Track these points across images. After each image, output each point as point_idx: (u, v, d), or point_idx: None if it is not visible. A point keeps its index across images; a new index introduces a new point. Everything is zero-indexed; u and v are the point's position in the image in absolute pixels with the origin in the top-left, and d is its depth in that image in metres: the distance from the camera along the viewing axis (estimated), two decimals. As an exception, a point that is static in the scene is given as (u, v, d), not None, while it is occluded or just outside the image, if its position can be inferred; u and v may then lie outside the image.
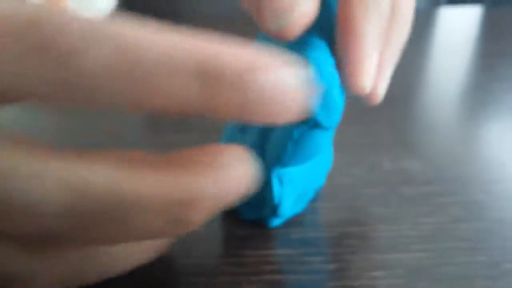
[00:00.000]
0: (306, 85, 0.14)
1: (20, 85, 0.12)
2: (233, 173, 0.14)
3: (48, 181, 0.12)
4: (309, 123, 0.19)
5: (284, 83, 0.13)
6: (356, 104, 0.35)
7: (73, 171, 0.13)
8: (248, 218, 0.23)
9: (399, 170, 0.27)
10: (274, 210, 0.22)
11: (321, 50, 0.18)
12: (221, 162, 0.14)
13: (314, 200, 0.25)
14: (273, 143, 0.20)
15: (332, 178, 0.27)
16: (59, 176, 0.12)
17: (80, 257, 0.15)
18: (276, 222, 0.23)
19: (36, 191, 0.12)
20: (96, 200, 0.12)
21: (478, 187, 0.26)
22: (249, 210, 0.23)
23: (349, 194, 0.26)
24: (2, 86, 0.12)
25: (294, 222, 0.24)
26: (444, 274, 0.21)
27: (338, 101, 0.18)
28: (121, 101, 0.12)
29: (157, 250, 0.18)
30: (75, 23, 0.12)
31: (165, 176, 0.13)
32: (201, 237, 0.23)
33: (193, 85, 0.12)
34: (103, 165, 0.13)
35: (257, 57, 0.13)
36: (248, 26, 0.45)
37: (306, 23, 0.16)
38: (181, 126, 0.32)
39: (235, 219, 0.24)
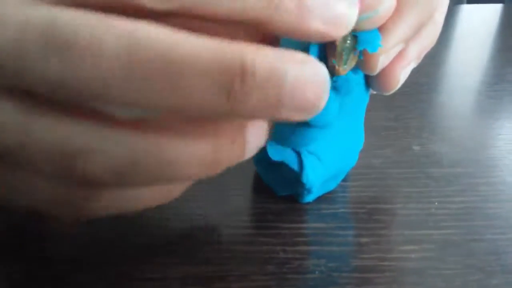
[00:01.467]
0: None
1: None
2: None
3: (108, 27, 0.13)
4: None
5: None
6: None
7: (134, 26, 0.13)
8: (282, 194, 0.24)
9: (427, 153, 0.28)
10: (305, 189, 0.23)
11: (317, 49, 0.19)
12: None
13: (344, 178, 0.26)
14: None
15: (362, 158, 0.27)
16: (121, 29, 0.13)
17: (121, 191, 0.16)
18: (308, 198, 0.24)
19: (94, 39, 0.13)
20: (154, 54, 0.13)
21: (507, 168, 0.26)
22: (282, 187, 0.24)
23: (378, 174, 0.26)
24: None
25: (325, 198, 0.24)
26: (473, 250, 0.21)
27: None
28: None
29: (174, 192, 0.18)
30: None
31: (223, 43, 0.13)
32: (238, 210, 0.24)
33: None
34: (164, 28, 0.13)
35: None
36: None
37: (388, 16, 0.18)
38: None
39: (269, 195, 0.25)
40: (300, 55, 0.14)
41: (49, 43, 0.13)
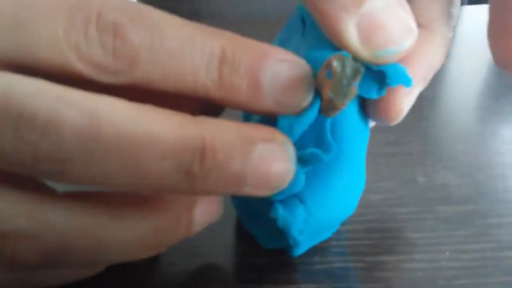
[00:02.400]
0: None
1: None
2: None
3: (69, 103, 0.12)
4: None
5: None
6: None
7: (96, 102, 0.13)
8: (267, 247, 0.21)
9: (433, 185, 0.24)
10: (289, 237, 0.19)
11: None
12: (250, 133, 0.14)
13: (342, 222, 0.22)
14: None
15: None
16: (83, 105, 0.12)
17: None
18: (297, 252, 0.20)
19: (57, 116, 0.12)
20: (111, 131, 0.12)
21: (525, 206, 0.23)
22: (268, 238, 0.21)
23: (378, 215, 0.23)
24: None
25: (318, 249, 0.21)
26: (493, 317, 0.18)
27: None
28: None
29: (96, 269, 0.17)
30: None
31: (183, 119, 0.13)
32: (214, 266, 0.20)
33: (213, 69, 0.13)
34: (124, 103, 0.13)
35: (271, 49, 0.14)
36: (265, 30, 0.42)
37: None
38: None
39: (252, 245, 0.21)
40: (266, 131, 0.14)
41: (2, 113, 0.12)
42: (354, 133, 0.18)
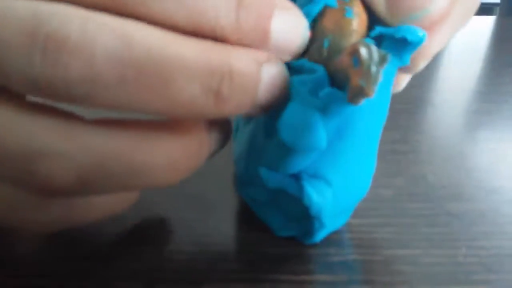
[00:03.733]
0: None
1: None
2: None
3: (100, 25, 0.12)
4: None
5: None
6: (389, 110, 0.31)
7: (127, 25, 0.12)
8: (282, 235, 0.20)
9: (443, 183, 0.24)
10: (314, 219, 0.18)
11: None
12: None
13: (353, 215, 0.21)
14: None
15: (369, 188, 0.23)
16: (114, 28, 0.12)
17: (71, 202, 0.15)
18: (318, 236, 0.19)
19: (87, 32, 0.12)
20: (143, 54, 0.12)
21: (538, 206, 0.23)
22: (281, 226, 0.20)
23: (391, 210, 0.22)
24: None
25: (332, 241, 0.20)
26: (516, 313, 0.17)
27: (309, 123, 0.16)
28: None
29: (129, 200, 0.18)
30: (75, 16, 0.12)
31: (210, 44, 0.13)
32: (226, 256, 0.19)
33: (232, 12, 0.13)
34: (154, 28, 0.13)
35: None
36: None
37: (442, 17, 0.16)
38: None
39: (265, 234, 0.20)
40: (266, 55, 0.15)
41: (33, 38, 0.12)
42: (371, 112, 0.18)
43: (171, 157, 0.15)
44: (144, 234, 0.20)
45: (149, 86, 0.13)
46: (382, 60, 0.14)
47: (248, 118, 0.20)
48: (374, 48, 0.14)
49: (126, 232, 0.20)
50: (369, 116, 0.18)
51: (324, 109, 0.15)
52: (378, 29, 0.16)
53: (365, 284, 0.18)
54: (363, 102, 0.15)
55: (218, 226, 0.21)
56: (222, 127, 0.17)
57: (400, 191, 0.23)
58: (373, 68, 0.14)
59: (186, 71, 0.13)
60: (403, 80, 0.20)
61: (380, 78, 0.14)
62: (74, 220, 0.16)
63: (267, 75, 0.14)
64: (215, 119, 0.16)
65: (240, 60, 0.14)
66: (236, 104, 0.14)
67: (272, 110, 0.18)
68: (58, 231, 0.17)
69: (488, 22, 0.49)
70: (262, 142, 0.19)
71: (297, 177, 0.18)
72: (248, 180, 0.20)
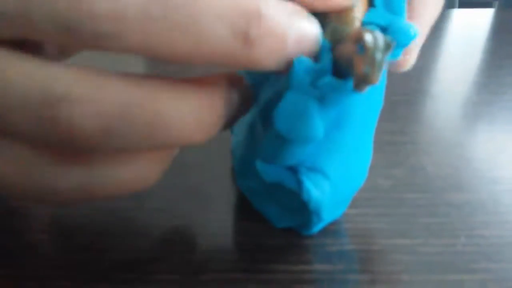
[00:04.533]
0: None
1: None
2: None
3: None
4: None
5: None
6: (387, 100, 0.31)
7: None
8: (280, 226, 0.20)
9: (442, 174, 0.24)
10: (312, 212, 0.18)
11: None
12: None
13: (350, 205, 0.21)
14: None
15: (366, 179, 0.23)
16: None
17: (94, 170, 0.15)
18: (315, 227, 0.19)
19: None
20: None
21: (538, 195, 0.23)
22: (279, 217, 0.20)
23: (389, 200, 0.22)
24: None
25: (329, 231, 0.20)
26: (515, 301, 0.17)
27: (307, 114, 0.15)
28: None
29: (151, 176, 0.16)
30: None
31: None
32: (224, 247, 0.19)
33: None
34: None
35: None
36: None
37: None
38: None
39: (262, 225, 0.20)
40: (299, 8, 0.15)
41: None
42: (367, 101, 0.18)
43: (196, 111, 0.14)
44: (140, 226, 0.20)
45: (177, 24, 0.12)
46: (387, 47, 0.14)
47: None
48: (379, 35, 0.14)
49: (122, 224, 0.20)
50: (366, 105, 0.18)
51: (322, 99, 0.15)
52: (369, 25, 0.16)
53: (363, 273, 0.18)
54: (367, 89, 0.15)
55: (216, 217, 0.21)
56: (244, 91, 0.16)
57: (399, 182, 0.23)
58: (378, 55, 0.13)
59: (215, 9, 0.13)
60: (412, 57, 0.20)
61: (385, 65, 0.14)
62: (94, 191, 0.15)
63: (297, 26, 0.14)
64: (238, 83, 0.16)
65: (270, 6, 0.14)
66: (264, 50, 0.14)
67: (269, 100, 0.17)
68: (74, 204, 0.16)
69: (487, 14, 0.49)
70: (260, 133, 0.18)
71: (294, 170, 0.18)
72: (246, 171, 0.20)
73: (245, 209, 0.21)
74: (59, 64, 0.13)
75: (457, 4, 0.59)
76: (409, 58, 0.19)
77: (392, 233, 0.20)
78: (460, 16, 0.48)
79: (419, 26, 0.19)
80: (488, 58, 0.39)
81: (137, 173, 0.15)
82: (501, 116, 0.29)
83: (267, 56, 0.14)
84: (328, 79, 0.15)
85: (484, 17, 0.49)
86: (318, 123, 0.16)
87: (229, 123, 0.16)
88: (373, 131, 0.19)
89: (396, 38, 0.16)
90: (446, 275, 0.18)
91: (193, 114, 0.14)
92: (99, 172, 0.15)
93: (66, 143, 0.13)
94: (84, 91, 0.13)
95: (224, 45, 0.13)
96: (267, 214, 0.20)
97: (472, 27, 0.46)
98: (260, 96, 0.19)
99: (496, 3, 0.55)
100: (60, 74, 0.13)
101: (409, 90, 0.32)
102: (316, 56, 0.16)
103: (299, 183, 0.17)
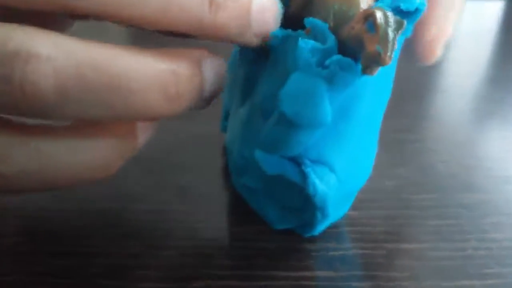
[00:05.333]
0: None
1: None
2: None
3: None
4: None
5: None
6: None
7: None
8: (279, 228, 0.19)
9: (452, 173, 0.23)
10: (317, 208, 0.17)
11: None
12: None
13: (352, 207, 0.20)
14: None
15: (370, 179, 0.22)
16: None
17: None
18: (316, 230, 0.18)
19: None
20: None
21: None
22: (278, 218, 0.19)
23: (395, 201, 0.21)
24: None
25: (331, 234, 0.19)
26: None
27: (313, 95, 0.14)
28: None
29: (105, 163, 0.15)
30: None
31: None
32: (219, 251, 0.18)
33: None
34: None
35: None
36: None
37: None
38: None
39: (262, 229, 0.19)
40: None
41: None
42: (373, 91, 0.17)
43: (160, 76, 0.14)
44: (130, 228, 0.19)
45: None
46: (399, 26, 0.13)
47: (241, 98, 0.19)
48: (389, 13, 0.13)
49: (110, 226, 0.19)
50: (374, 93, 0.17)
51: (331, 80, 0.14)
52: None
53: (367, 279, 0.17)
54: (377, 72, 0.14)
55: (209, 220, 0.20)
56: (218, 66, 0.16)
57: (406, 182, 0.22)
58: (391, 33, 0.13)
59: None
60: (438, 48, 0.19)
61: (397, 45, 0.13)
62: (45, 178, 0.14)
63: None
64: (212, 57, 0.16)
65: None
66: (229, 15, 0.14)
67: (270, 92, 0.16)
68: (24, 192, 0.15)
69: (496, 7, 0.48)
70: (257, 124, 0.17)
71: (298, 163, 0.17)
72: (243, 167, 0.19)
73: (240, 211, 0.20)
74: (14, 23, 0.13)
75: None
76: (435, 49, 0.19)
77: (398, 237, 0.19)
78: (469, 8, 0.47)
79: (442, 17, 0.19)
80: (499, 51, 0.37)
81: (94, 156, 0.15)
82: (509, 112, 0.28)
83: (231, 22, 0.14)
84: (337, 57, 0.14)
85: (493, 9, 0.47)
86: (327, 106, 0.15)
87: (203, 101, 0.15)
88: (380, 124, 0.18)
89: (402, 6, 0.15)
90: (456, 281, 0.17)
91: (157, 80, 0.13)
92: (49, 149, 0.14)
93: (20, 106, 0.13)
94: (39, 47, 0.12)
95: (192, 7, 0.14)
96: (265, 215, 0.19)
97: (482, 20, 0.45)
98: (256, 90, 0.18)
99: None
100: (15, 32, 0.12)
101: (417, 85, 0.31)
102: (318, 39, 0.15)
103: (304, 176, 0.16)
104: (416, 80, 0.32)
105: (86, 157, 0.14)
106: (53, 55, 0.12)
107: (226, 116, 0.23)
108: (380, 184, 0.22)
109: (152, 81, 0.13)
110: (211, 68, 0.15)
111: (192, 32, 0.14)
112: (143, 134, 0.16)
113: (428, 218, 0.20)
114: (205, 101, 0.15)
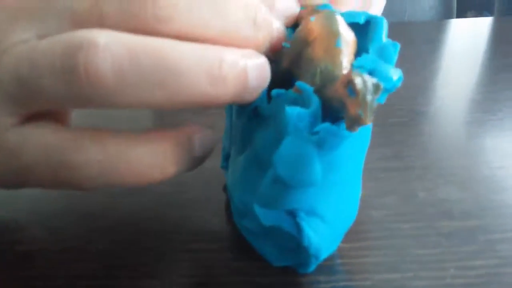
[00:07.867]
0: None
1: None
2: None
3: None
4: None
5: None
6: (379, 124, 0.32)
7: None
8: (277, 265, 0.20)
9: (434, 201, 0.24)
10: (310, 255, 0.19)
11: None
12: None
13: (344, 239, 0.22)
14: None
15: (359, 211, 0.24)
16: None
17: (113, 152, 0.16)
18: (312, 267, 0.20)
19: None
20: (147, 54, 0.15)
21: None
22: (277, 256, 0.20)
23: (381, 231, 0.23)
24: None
25: (323, 268, 0.21)
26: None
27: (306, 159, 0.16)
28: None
29: (184, 152, 0.18)
30: None
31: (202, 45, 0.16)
32: (219, 284, 0.20)
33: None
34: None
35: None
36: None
37: None
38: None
39: (256, 263, 0.21)
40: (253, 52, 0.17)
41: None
42: (361, 138, 0.19)
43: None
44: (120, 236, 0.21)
45: (161, 79, 0.15)
46: (376, 89, 0.14)
47: (240, 146, 0.21)
48: (367, 78, 0.14)
49: (100, 232, 0.21)
50: (357, 145, 0.18)
51: (320, 144, 0.16)
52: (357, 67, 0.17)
53: (355, 311, 0.19)
54: (358, 129, 0.15)
55: (212, 256, 0.21)
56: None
57: (391, 211, 0.24)
58: (369, 97, 0.14)
59: (190, 62, 0.15)
60: None
61: (375, 107, 0.14)
62: (108, 170, 0.17)
63: (253, 62, 0.17)
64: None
65: (229, 53, 0.16)
66: (232, 88, 0.16)
67: (264, 142, 0.18)
68: (93, 189, 0.17)
69: (485, 23, 0.49)
70: (255, 175, 0.19)
71: (292, 214, 0.18)
72: (243, 212, 0.21)
73: (240, 247, 0.22)
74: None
75: (454, 14, 0.59)
76: None
77: (384, 267, 0.21)
78: (457, 26, 0.49)
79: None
80: (486, 72, 0.39)
81: (153, 157, 0.17)
82: (499, 136, 0.30)
83: (232, 91, 0.16)
84: (326, 125, 0.16)
85: (482, 26, 0.49)
86: (318, 168, 0.17)
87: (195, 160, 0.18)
88: (362, 166, 0.20)
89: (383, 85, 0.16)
90: (435, 310, 0.19)
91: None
92: (113, 149, 0.16)
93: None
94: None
95: (195, 94, 0.16)
96: (265, 254, 0.21)
97: (470, 37, 0.46)
98: (253, 141, 0.19)
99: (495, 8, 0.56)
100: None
101: (405, 111, 0.33)
102: (303, 101, 0.16)
103: (299, 228, 0.18)
104: (405, 106, 0.33)
105: (146, 155, 0.17)
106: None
107: (225, 156, 0.24)
108: (368, 215, 0.24)
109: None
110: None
111: (201, 104, 0.17)
112: (201, 146, 0.18)
113: (410, 247, 0.22)
114: (197, 161, 0.18)
